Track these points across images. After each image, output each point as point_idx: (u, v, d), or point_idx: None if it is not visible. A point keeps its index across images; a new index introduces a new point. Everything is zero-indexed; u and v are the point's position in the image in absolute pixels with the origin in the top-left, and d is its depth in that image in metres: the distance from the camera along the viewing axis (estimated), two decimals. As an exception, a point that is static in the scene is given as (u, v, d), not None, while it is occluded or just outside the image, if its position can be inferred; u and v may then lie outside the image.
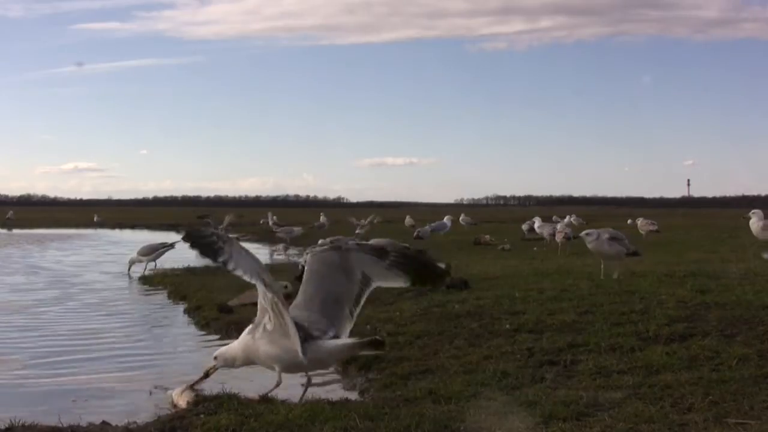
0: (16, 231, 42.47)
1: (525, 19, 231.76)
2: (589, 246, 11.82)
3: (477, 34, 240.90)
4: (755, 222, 16.00)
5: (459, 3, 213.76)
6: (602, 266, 11.69)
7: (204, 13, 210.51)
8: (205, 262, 20.23)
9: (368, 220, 29.48)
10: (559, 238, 20.44)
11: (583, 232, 12.07)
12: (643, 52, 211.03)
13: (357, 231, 23.69)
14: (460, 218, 37.75)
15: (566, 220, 27.93)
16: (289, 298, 11.37)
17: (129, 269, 17.26)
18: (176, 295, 13.12)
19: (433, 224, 26.65)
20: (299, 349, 5.40)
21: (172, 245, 18.38)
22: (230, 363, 5.92)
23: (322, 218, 34.64)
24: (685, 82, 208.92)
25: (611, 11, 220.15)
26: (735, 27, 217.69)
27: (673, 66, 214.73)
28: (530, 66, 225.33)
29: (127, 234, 40.96)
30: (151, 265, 17.64)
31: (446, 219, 27.62)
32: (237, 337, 9.27)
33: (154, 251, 17.76)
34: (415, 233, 23.35)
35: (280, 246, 27.87)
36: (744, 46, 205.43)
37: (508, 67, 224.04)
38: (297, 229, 28.68)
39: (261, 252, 26.10)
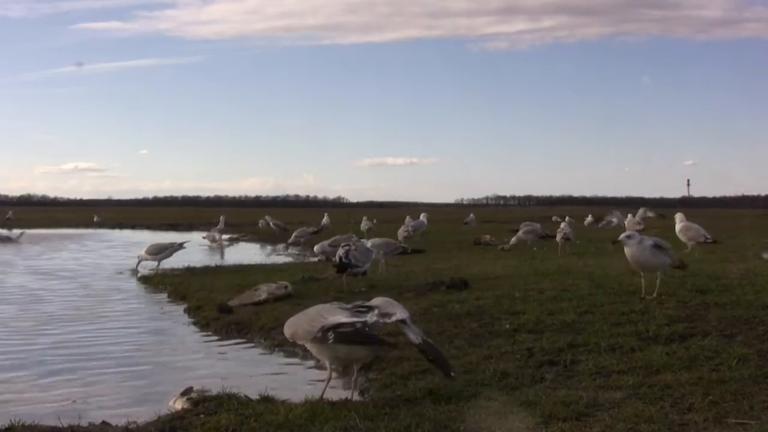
0: (16, 231, 42.41)
1: (527, 19, 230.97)
2: (627, 251, 9.50)
3: (479, 33, 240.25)
4: (676, 224, 16.55)
5: (461, 2, 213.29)
6: (643, 281, 9.54)
7: (205, 12, 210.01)
8: (205, 262, 20.34)
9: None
10: (558, 237, 20.55)
11: (623, 235, 9.75)
12: (646, 52, 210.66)
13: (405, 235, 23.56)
14: (468, 218, 38.94)
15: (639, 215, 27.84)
16: (290, 297, 11.42)
17: (137, 266, 17.67)
18: (176, 295, 13.12)
19: (413, 223, 27.67)
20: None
21: (181, 245, 18.40)
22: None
23: (325, 219, 34.66)
24: (687, 82, 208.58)
25: (613, 11, 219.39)
26: (738, 27, 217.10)
27: (675, 66, 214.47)
28: (532, 66, 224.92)
29: (140, 235, 40.65)
30: (155, 263, 17.77)
31: (423, 217, 29.24)
32: (237, 338, 9.37)
33: (163, 250, 17.87)
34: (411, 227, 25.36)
35: (280, 246, 27.91)
36: (747, 46, 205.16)
37: (509, 67, 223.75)
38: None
39: (261, 252, 26.16)
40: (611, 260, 14.71)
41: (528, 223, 25.03)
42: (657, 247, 9.39)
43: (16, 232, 31.65)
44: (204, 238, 29.07)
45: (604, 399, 5.31)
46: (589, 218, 38.86)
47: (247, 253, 25.45)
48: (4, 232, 31.95)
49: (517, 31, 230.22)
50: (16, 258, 23.10)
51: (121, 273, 17.65)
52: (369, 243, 13.75)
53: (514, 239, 22.25)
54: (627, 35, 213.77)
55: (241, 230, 36.29)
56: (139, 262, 17.73)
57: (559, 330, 7.69)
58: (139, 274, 16.88)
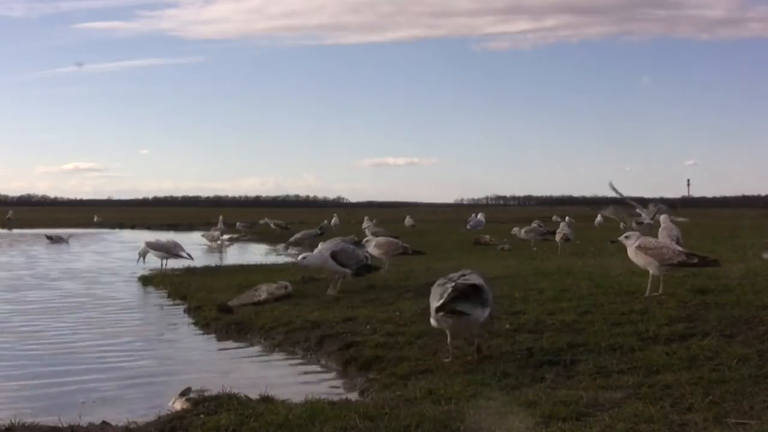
0: (16, 231, 42.43)
1: (530, 18, 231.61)
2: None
3: (482, 33, 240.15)
4: (661, 222, 16.61)
5: (464, 2, 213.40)
6: (661, 281, 9.47)
7: (207, 12, 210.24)
8: (205, 262, 20.27)
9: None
10: (558, 238, 20.57)
11: (623, 235, 9.93)
12: (648, 52, 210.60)
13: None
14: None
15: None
16: (289, 297, 11.41)
17: (138, 260, 18.15)
18: (176, 295, 13.11)
19: (472, 222, 32.49)
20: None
21: (187, 253, 18.20)
22: None
23: (335, 219, 34.71)
24: (689, 82, 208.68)
25: (617, 10, 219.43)
26: (741, 27, 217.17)
27: (678, 66, 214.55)
28: (534, 66, 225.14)
29: (145, 235, 40.55)
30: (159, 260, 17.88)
31: (480, 216, 33.22)
32: (237, 338, 9.38)
33: (165, 251, 17.90)
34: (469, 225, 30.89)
35: (280, 246, 27.92)
36: (749, 45, 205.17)
37: (511, 67, 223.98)
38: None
39: (260, 251, 26.15)
40: (611, 260, 14.71)
41: (539, 223, 25.35)
42: (640, 248, 9.37)
43: (65, 233, 33.20)
44: (202, 236, 29.38)
45: (604, 399, 5.31)
46: (599, 218, 38.74)
47: (246, 253, 25.45)
48: (55, 232, 33.21)
49: (520, 31, 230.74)
50: (27, 260, 23.12)
51: (116, 273, 17.68)
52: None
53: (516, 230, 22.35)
54: (630, 35, 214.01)
55: (240, 230, 36.24)
56: (140, 257, 18.16)
57: (559, 330, 7.69)
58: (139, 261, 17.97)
